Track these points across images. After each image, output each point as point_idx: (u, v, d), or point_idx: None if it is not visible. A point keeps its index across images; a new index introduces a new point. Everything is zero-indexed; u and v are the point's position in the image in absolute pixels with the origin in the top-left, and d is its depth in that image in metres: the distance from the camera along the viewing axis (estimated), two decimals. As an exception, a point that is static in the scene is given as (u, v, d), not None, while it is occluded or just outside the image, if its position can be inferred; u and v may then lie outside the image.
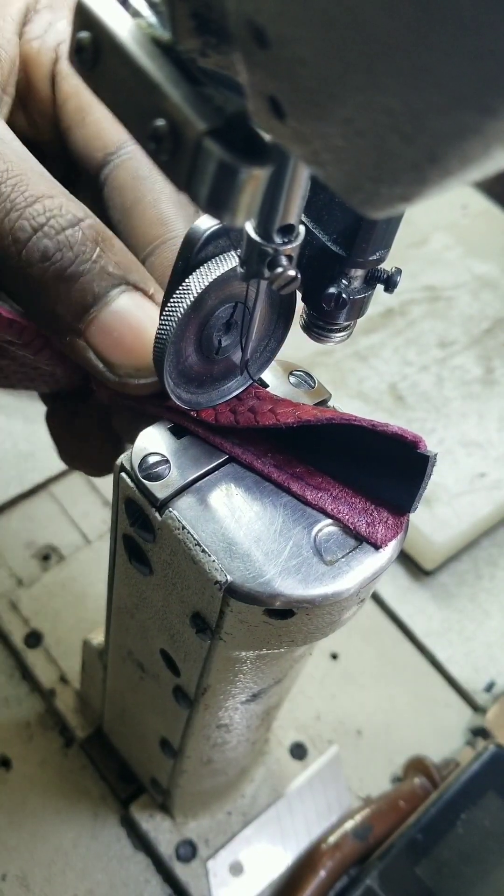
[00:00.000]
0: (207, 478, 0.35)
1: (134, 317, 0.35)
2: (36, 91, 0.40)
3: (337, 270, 0.34)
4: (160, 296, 0.36)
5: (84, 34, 0.25)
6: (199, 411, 0.36)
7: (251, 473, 0.36)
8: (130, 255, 0.36)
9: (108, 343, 0.35)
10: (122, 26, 0.25)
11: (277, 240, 0.28)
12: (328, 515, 0.35)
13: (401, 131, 0.18)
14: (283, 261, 0.28)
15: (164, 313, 0.33)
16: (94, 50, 0.25)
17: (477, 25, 0.15)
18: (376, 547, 0.34)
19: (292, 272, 0.28)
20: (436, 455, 0.33)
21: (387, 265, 0.35)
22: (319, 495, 0.35)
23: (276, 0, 0.18)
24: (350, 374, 0.90)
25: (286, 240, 0.29)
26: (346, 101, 0.19)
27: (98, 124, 0.39)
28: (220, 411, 0.36)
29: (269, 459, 0.36)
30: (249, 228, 0.29)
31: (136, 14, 0.25)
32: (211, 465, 0.35)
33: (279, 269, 0.28)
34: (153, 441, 0.36)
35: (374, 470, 0.35)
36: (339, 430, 0.34)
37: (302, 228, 0.29)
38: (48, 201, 0.34)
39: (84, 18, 0.25)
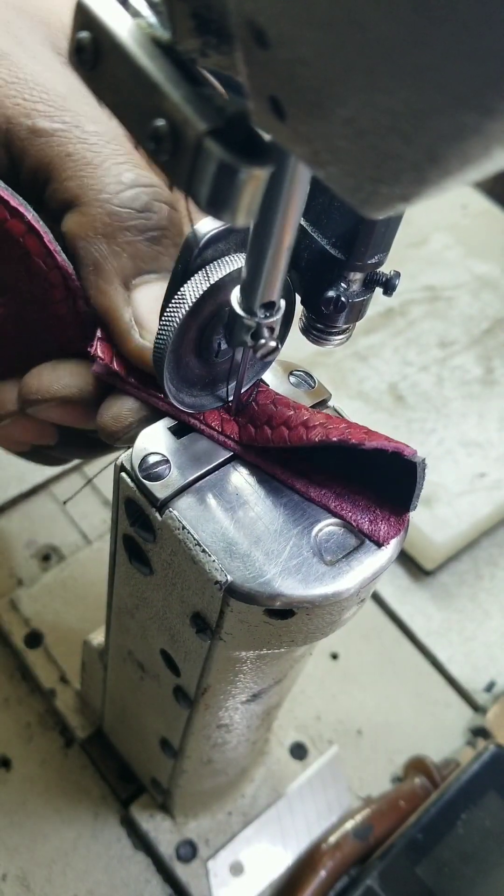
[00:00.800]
0: (208, 478, 0.35)
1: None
2: None
3: (336, 274, 0.34)
4: None
5: (84, 34, 0.25)
6: (204, 416, 0.36)
7: (251, 474, 0.36)
8: None
9: (151, 308, 0.36)
10: (122, 26, 0.25)
11: (260, 314, 0.31)
12: (331, 513, 0.35)
13: (401, 131, 0.18)
14: (265, 332, 0.31)
15: (163, 317, 0.33)
16: (94, 50, 0.25)
17: (477, 25, 0.15)
18: (378, 544, 0.34)
19: (273, 343, 0.31)
20: (424, 460, 0.34)
21: (386, 267, 0.35)
22: (323, 492, 0.35)
23: (277, 0, 0.18)
24: (350, 374, 0.90)
25: (268, 314, 0.31)
26: (346, 102, 0.19)
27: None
28: (225, 425, 0.37)
29: (272, 457, 0.36)
30: (235, 303, 0.31)
31: (136, 14, 0.25)
32: (211, 465, 0.35)
33: (262, 341, 0.31)
34: (153, 441, 0.36)
35: (374, 469, 0.35)
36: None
37: (282, 303, 0.31)
38: (154, 177, 0.37)
39: (84, 18, 0.25)
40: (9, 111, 0.36)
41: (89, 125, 0.36)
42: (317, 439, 0.34)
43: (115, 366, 0.37)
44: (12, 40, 0.37)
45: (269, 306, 0.31)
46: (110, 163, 0.36)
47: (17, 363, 0.41)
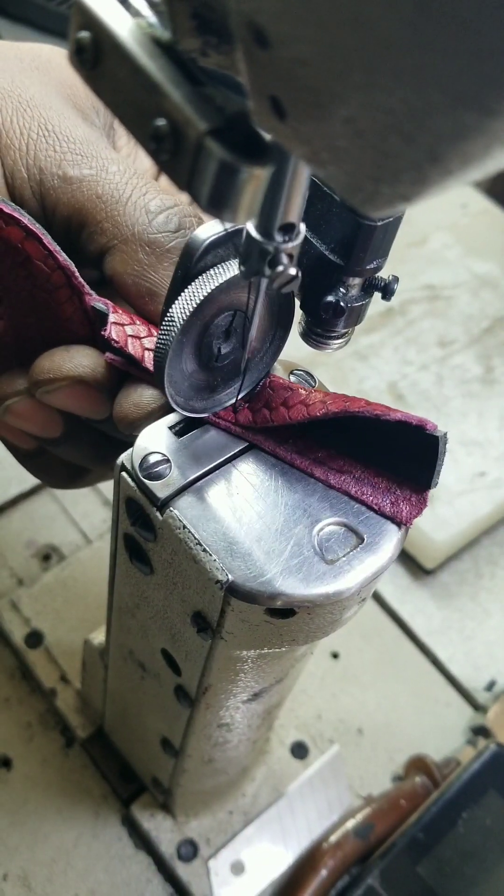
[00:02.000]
0: (208, 477, 0.35)
1: None
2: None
3: (335, 279, 0.34)
4: None
5: (84, 34, 0.25)
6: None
7: (252, 473, 0.36)
8: None
9: None
10: (122, 26, 0.25)
11: (278, 238, 0.28)
12: (353, 498, 0.35)
13: (401, 131, 0.18)
14: (284, 259, 0.29)
15: (163, 323, 0.33)
16: (94, 50, 0.25)
17: (477, 25, 0.15)
18: (400, 525, 0.35)
19: (293, 270, 0.29)
20: (445, 434, 0.34)
21: (386, 266, 0.35)
22: (343, 478, 0.36)
23: (277, 0, 0.18)
24: (350, 373, 0.90)
25: (287, 238, 0.29)
26: (346, 101, 0.19)
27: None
28: (240, 411, 0.37)
29: (290, 446, 0.36)
30: (250, 226, 0.29)
31: (136, 14, 0.25)
32: (212, 465, 0.35)
33: (280, 268, 0.29)
34: (154, 440, 0.36)
35: (393, 450, 0.35)
36: (352, 418, 0.34)
37: (303, 227, 0.29)
38: (174, 198, 0.39)
39: (84, 18, 0.25)
40: (42, 163, 0.38)
41: (112, 166, 0.39)
42: (337, 409, 0.34)
43: (129, 349, 0.37)
44: (40, 96, 0.40)
45: (289, 228, 0.29)
46: (136, 196, 0.38)
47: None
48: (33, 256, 0.36)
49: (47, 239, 0.36)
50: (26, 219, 0.35)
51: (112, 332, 0.36)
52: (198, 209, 0.43)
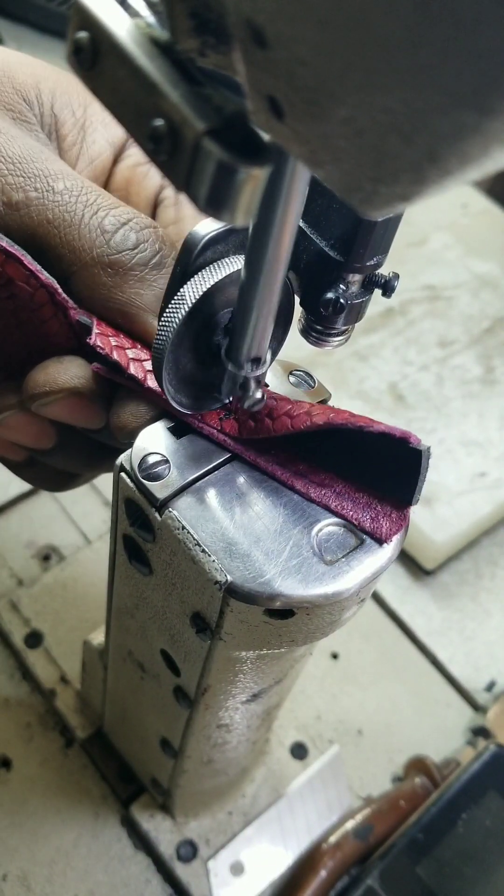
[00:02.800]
0: (207, 478, 0.35)
1: None
2: (133, 205, 0.43)
3: (335, 276, 0.34)
4: None
5: (82, 34, 0.25)
6: (203, 415, 0.36)
7: (251, 473, 0.36)
8: None
9: None
10: (120, 26, 0.24)
11: (248, 368, 0.33)
12: (332, 512, 0.35)
13: (400, 131, 0.18)
14: (252, 385, 0.34)
15: (162, 319, 0.33)
16: (92, 50, 0.25)
17: (475, 25, 0.15)
18: (381, 542, 0.34)
19: (259, 395, 0.34)
20: (429, 448, 0.33)
21: (386, 267, 0.35)
22: (323, 492, 0.35)
23: (275, 0, 0.18)
24: (350, 373, 0.90)
25: (254, 368, 0.33)
26: (344, 101, 0.19)
27: None
28: (224, 422, 0.37)
29: (272, 457, 0.36)
30: (224, 357, 0.34)
31: (134, 14, 0.25)
32: (211, 465, 0.35)
33: (249, 392, 0.34)
34: (153, 441, 0.36)
35: (374, 465, 0.35)
36: (336, 430, 0.34)
37: (269, 356, 0.34)
38: (127, 208, 0.38)
39: (82, 18, 0.25)
40: None
41: (58, 183, 0.37)
42: (321, 423, 0.34)
43: (114, 356, 0.37)
44: None
45: (256, 361, 0.33)
46: (88, 216, 0.37)
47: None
48: (15, 278, 0.36)
49: (27, 259, 0.35)
50: (4, 242, 0.35)
51: (97, 340, 0.37)
52: (185, 208, 0.43)
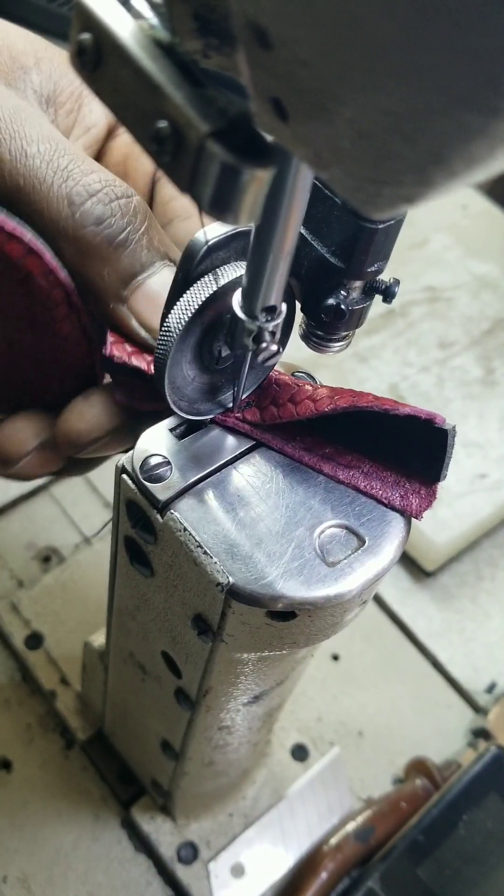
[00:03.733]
0: (209, 479, 0.35)
1: None
2: (131, 181, 0.42)
3: (335, 282, 0.34)
4: None
5: (85, 36, 0.25)
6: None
7: (253, 475, 0.36)
8: (169, 239, 0.38)
9: (154, 309, 0.36)
10: (123, 28, 0.24)
11: (262, 318, 0.31)
12: (362, 492, 0.35)
13: (404, 132, 0.18)
14: (267, 336, 0.32)
15: (164, 325, 0.33)
16: (95, 52, 0.25)
17: (478, 25, 0.15)
18: (413, 517, 0.35)
19: (274, 347, 0.32)
20: (454, 427, 0.34)
21: (386, 271, 0.35)
22: (351, 473, 0.36)
23: (278, 1, 0.18)
24: (351, 374, 0.90)
25: (269, 318, 0.31)
26: (348, 103, 0.19)
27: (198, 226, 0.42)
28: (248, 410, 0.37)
29: (298, 443, 0.36)
30: (237, 307, 0.32)
31: (137, 15, 0.25)
32: (213, 467, 0.35)
33: (263, 344, 0.32)
34: (154, 442, 0.36)
35: (401, 444, 0.35)
36: (360, 412, 0.35)
37: (284, 307, 0.32)
38: (102, 174, 0.35)
39: (85, 20, 0.25)
40: None
41: (31, 147, 0.35)
42: (346, 404, 0.34)
43: (133, 362, 0.36)
44: None
45: (271, 310, 0.32)
46: (58, 184, 0.35)
47: (19, 395, 0.40)
48: (34, 273, 0.35)
49: (48, 255, 0.35)
50: (29, 234, 0.35)
51: (113, 350, 0.36)
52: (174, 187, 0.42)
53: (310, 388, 0.36)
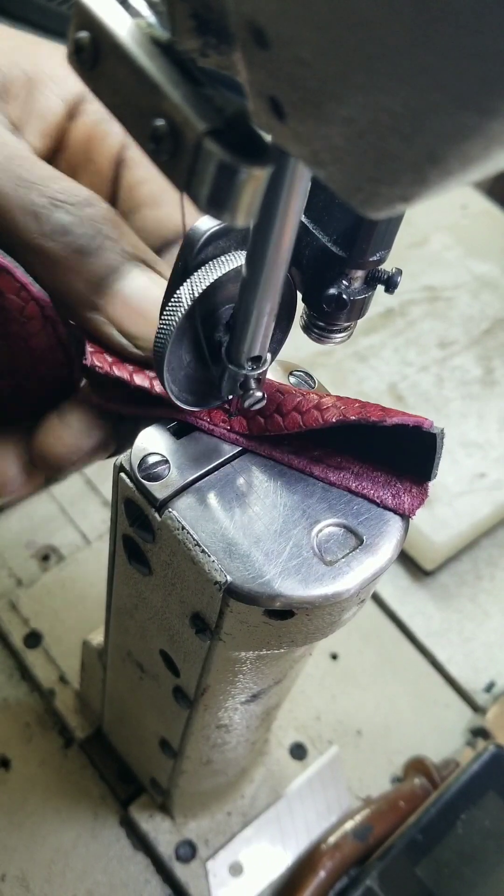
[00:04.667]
0: (207, 478, 0.35)
1: (153, 290, 0.35)
2: (95, 165, 0.41)
3: (337, 271, 0.34)
4: None
5: (83, 34, 0.25)
6: (211, 418, 0.36)
7: (251, 474, 0.36)
8: (141, 243, 0.37)
9: (131, 314, 0.35)
10: (121, 26, 0.24)
11: (248, 367, 0.33)
12: (353, 493, 0.35)
13: (401, 131, 0.18)
14: (252, 384, 0.34)
15: (163, 315, 0.33)
16: (93, 50, 0.25)
17: (477, 25, 0.15)
18: (406, 516, 0.35)
19: (259, 394, 0.34)
20: (443, 430, 0.34)
21: (387, 266, 0.35)
22: (342, 475, 0.36)
23: (276, 0, 0.18)
24: (350, 374, 0.90)
25: (254, 367, 0.33)
26: (345, 102, 0.19)
27: (169, 211, 0.40)
28: (233, 420, 0.37)
29: (286, 448, 0.36)
30: (224, 357, 0.33)
31: (135, 14, 0.25)
32: (211, 466, 0.35)
33: (249, 391, 0.34)
34: (153, 441, 0.36)
35: (390, 445, 0.35)
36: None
37: (269, 356, 0.33)
38: (65, 182, 0.35)
39: (83, 18, 0.25)
40: None
41: None
42: (333, 419, 0.34)
43: (115, 372, 0.35)
44: None
45: (256, 360, 0.33)
46: (19, 197, 0.34)
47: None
48: (6, 290, 0.34)
49: (19, 272, 0.34)
50: None
51: (94, 360, 0.35)
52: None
53: (298, 396, 0.36)
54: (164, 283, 0.34)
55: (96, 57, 0.25)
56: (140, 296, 0.35)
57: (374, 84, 0.18)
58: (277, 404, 0.36)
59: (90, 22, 0.25)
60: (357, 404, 0.34)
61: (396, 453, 0.35)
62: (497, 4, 0.15)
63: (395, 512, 0.35)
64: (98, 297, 0.35)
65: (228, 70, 0.23)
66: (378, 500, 0.35)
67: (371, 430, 0.35)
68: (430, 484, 0.36)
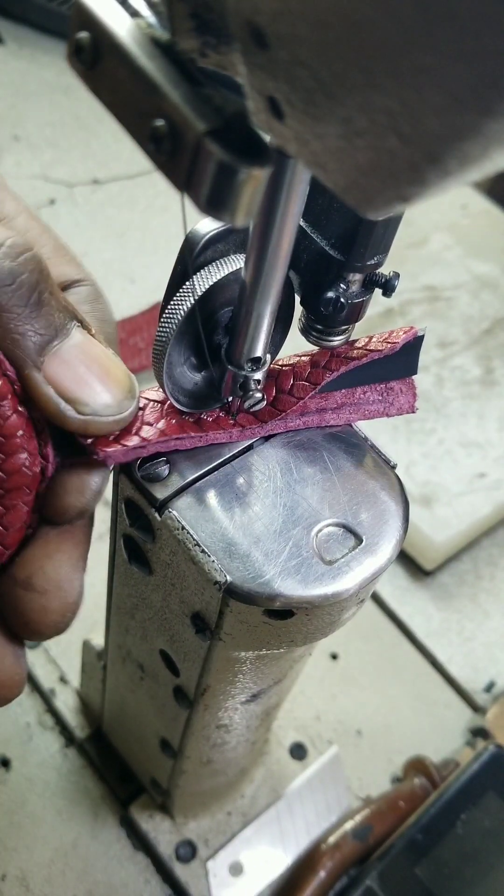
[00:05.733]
0: (207, 478, 0.35)
1: (93, 350, 0.32)
2: None
3: (335, 275, 0.34)
4: (101, 337, 0.33)
5: (83, 34, 0.25)
6: (219, 422, 0.36)
7: (251, 474, 0.36)
8: (66, 298, 0.34)
9: (71, 377, 0.31)
10: (121, 26, 0.25)
11: (247, 368, 0.34)
12: (358, 420, 0.39)
13: (399, 132, 0.18)
14: (252, 385, 0.34)
15: (163, 317, 0.33)
16: (93, 50, 0.25)
17: (475, 26, 0.15)
18: (410, 413, 0.39)
19: (259, 395, 0.35)
20: (425, 327, 0.38)
21: (386, 267, 0.35)
22: (341, 414, 0.38)
23: (275, 0, 0.18)
24: (350, 374, 0.90)
25: (254, 368, 0.34)
26: (344, 102, 0.19)
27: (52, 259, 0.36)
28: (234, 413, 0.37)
29: (293, 417, 0.38)
30: (224, 358, 0.34)
31: (135, 14, 0.25)
32: (211, 466, 0.35)
33: (249, 392, 0.34)
34: (153, 441, 0.36)
35: (377, 363, 0.38)
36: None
37: (268, 357, 0.34)
38: (1, 228, 0.31)
39: (83, 18, 0.25)
40: None
41: None
42: (342, 369, 0.37)
43: (131, 443, 0.33)
44: None
45: (256, 361, 0.33)
46: None
47: None
48: None
49: None
50: None
51: (101, 446, 0.32)
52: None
53: (287, 367, 0.38)
54: (97, 342, 0.32)
55: (96, 57, 0.25)
56: (82, 356, 0.32)
57: (373, 84, 0.18)
58: (275, 386, 0.37)
59: (90, 22, 0.25)
60: (358, 346, 0.37)
61: (382, 367, 0.38)
62: (496, 5, 0.15)
63: (399, 414, 0.39)
64: (42, 354, 0.31)
65: (228, 70, 0.23)
66: (386, 416, 0.39)
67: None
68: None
